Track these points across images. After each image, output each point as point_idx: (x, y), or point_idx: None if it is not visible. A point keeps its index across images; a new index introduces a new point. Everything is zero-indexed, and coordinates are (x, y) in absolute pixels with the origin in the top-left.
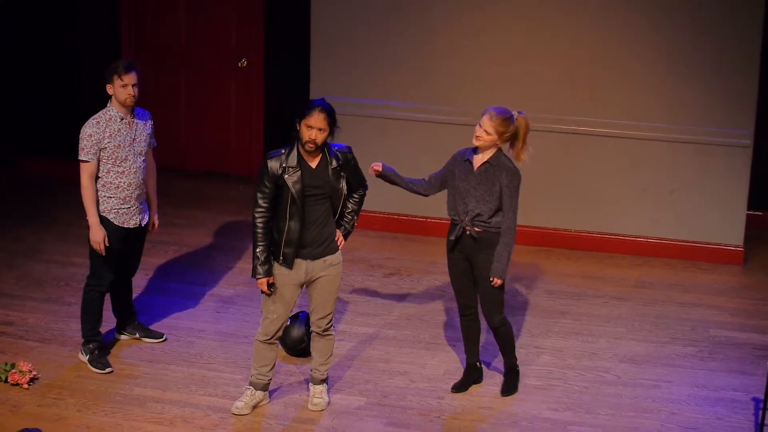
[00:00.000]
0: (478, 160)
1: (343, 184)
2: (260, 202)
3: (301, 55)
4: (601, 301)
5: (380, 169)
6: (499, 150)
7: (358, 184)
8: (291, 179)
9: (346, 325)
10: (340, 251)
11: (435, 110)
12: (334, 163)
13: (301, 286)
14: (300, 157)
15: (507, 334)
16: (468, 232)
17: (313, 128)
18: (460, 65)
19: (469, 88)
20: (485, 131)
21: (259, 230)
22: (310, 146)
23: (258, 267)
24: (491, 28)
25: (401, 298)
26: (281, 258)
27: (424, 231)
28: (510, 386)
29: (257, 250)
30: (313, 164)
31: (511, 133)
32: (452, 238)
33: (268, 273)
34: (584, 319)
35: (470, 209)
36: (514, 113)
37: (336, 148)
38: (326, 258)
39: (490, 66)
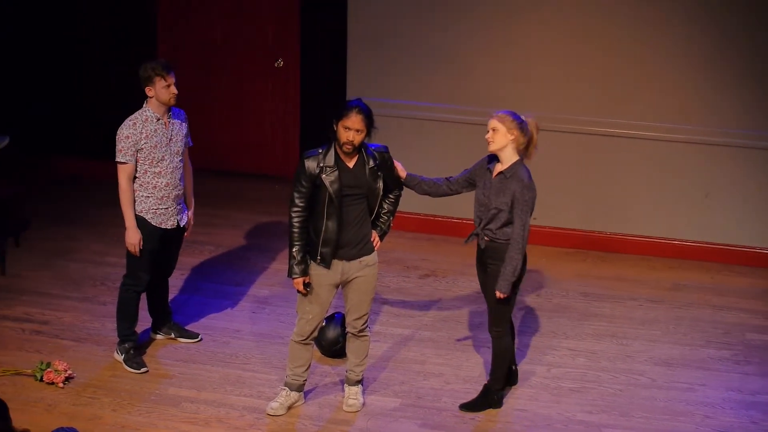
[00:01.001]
0: (497, 169)
1: (380, 184)
2: (297, 201)
3: (337, 55)
4: (636, 304)
5: (404, 176)
6: (519, 161)
7: (394, 184)
8: (328, 179)
9: (382, 326)
10: (376, 252)
11: (472, 111)
12: (372, 163)
13: (337, 286)
14: (337, 157)
15: (500, 349)
16: (479, 242)
17: (350, 129)
18: (498, 66)
19: (507, 90)
20: (492, 129)
21: (296, 230)
22: (347, 147)
23: (294, 267)
24: (531, 29)
25: (437, 299)
26: (319, 258)
27: (459, 232)
28: (474, 404)
29: (293, 249)
30: (351, 164)
31: (519, 126)
32: (468, 242)
33: (304, 273)
34: (619, 322)
35: (482, 218)
36: (523, 117)
37: (373, 148)
38: (362, 258)
39: (530, 67)
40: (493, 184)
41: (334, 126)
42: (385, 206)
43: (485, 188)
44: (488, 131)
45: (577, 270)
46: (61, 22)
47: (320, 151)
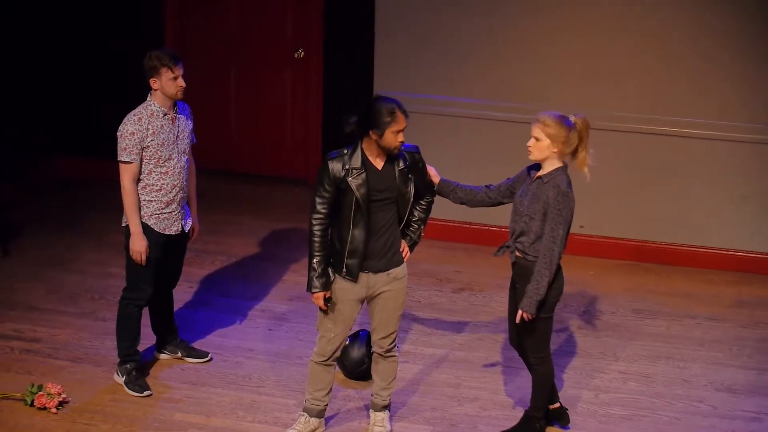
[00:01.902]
0: (536, 175)
1: (411, 188)
2: (319, 207)
3: (364, 46)
4: (694, 322)
5: (438, 182)
6: (562, 168)
7: (425, 189)
8: (355, 182)
9: (411, 346)
10: (405, 264)
11: (511, 108)
12: (401, 165)
13: (362, 301)
14: (364, 158)
15: (542, 375)
16: (510, 254)
17: (401, 132)
18: (539, 59)
19: (549, 84)
20: (534, 138)
21: (317, 239)
22: (397, 150)
23: (314, 280)
24: (574, 19)
25: (472, 315)
26: (344, 270)
27: (497, 242)
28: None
29: (314, 260)
30: (379, 165)
31: (566, 136)
32: (498, 254)
33: (326, 287)
34: (675, 342)
35: (516, 228)
36: (571, 116)
37: (403, 147)
38: (390, 271)
39: (572, 60)
40: (530, 190)
41: (375, 135)
42: (416, 213)
43: (522, 195)
44: (531, 139)
45: (628, 284)
46: (58, 5)
47: (345, 151)
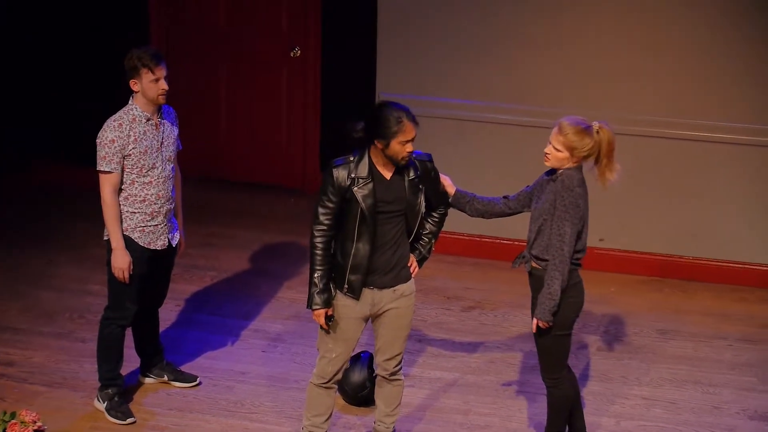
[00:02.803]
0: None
1: (421, 200)
2: (322, 218)
3: (365, 43)
4: (725, 344)
5: (453, 192)
6: (577, 167)
7: (438, 200)
8: (361, 192)
9: (418, 369)
10: (413, 280)
11: (524, 111)
12: (412, 174)
13: (366, 320)
14: (372, 166)
15: (557, 399)
16: (525, 265)
17: (410, 142)
18: (551, 59)
19: (561, 86)
20: (553, 147)
21: (319, 252)
22: (405, 161)
23: (315, 296)
24: (588, 18)
25: (483, 336)
26: (346, 287)
27: (510, 256)
28: None
29: (315, 275)
30: (388, 175)
31: (589, 149)
32: (515, 266)
33: (327, 303)
34: (704, 365)
35: (530, 236)
36: (594, 124)
37: (414, 155)
38: (397, 287)
39: (587, 60)
40: (544, 195)
41: (381, 144)
42: (427, 226)
43: (538, 201)
44: (549, 144)
45: (651, 302)
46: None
47: (351, 158)
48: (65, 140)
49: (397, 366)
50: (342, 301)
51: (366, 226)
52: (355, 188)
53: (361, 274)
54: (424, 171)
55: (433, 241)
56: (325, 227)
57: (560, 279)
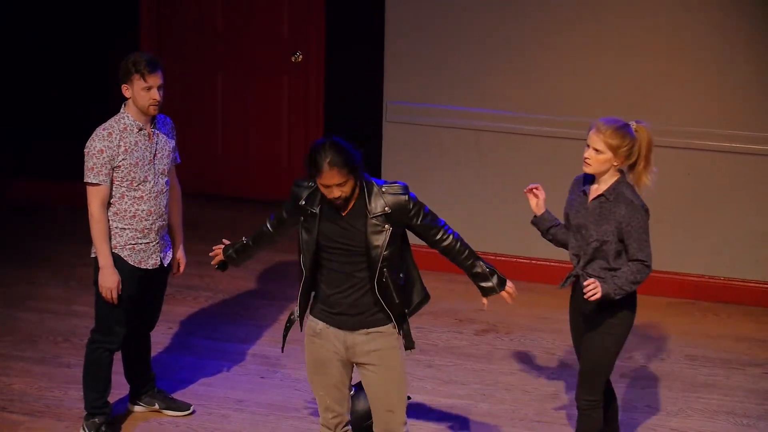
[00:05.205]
0: (594, 191)
1: (385, 242)
2: (273, 220)
3: (372, 48)
4: (761, 371)
5: (542, 211)
6: (621, 178)
7: (432, 233)
8: (305, 224)
9: (427, 396)
10: (391, 325)
11: (539, 120)
12: (378, 210)
13: (348, 364)
14: (324, 198)
15: (588, 426)
16: (575, 285)
17: (330, 187)
18: (570, 67)
19: (581, 94)
20: (594, 149)
21: (258, 230)
22: (338, 203)
23: (228, 247)
24: (612, 24)
25: (498, 361)
26: (296, 310)
27: (526, 276)
28: None
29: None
30: (344, 210)
31: (629, 148)
32: (565, 285)
33: (227, 260)
34: (737, 395)
35: (581, 254)
36: (632, 123)
37: (383, 186)
38: (369, 329)
39: (611, 67)
40: (590, 210)
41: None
42: (462, 255)
43: (580, 215)
44: (587, 147)
45: (681, 326)
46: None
47: (311, 184)
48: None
49: (397, 427)
50: (314, 339)
51: (304, 259)
52: (302, 218)
53: (307, 305)
54: (398, 208)
55: (473, 256)
56: (271, 225)
57: (639, 279)
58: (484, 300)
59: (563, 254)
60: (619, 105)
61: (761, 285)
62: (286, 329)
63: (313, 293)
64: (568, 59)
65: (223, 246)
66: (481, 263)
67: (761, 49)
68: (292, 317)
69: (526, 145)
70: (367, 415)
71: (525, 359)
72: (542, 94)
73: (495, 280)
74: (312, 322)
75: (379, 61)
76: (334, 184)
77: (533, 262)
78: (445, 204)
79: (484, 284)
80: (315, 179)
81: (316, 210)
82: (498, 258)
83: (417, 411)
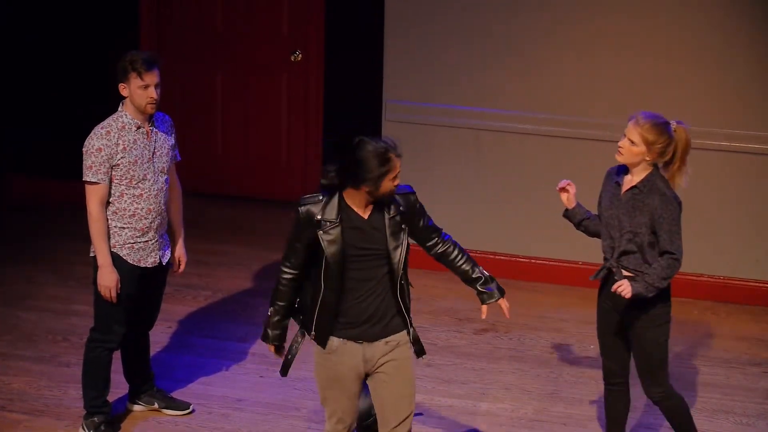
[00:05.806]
0: (627, 182)
1: (403, 241)
2: (291, 257)
3: (372, 47)
4: (760, 371)
5: (573, 205)
6: (655, 170)
7: (426, 234)
8: (327, 237)
9: (426, 396)
10: (406, 331)
11: (541, 120)
12: (393, 211)
13: (362, 378)
14: (343, 207)
15: (676, 410)
16: (614, 275)
17: (397, 176)
18: (573, 64)
19: (584, 93)
20: (629, 140)
21: (282, 287)
22: (391, 194)
23: (267, 331)
24: (619, 17)
25: (497, 361)
26: (313, 333)
27: (526, 275)
28: None
29: (271, 309)
30: (366, 214)
31: (665, 146)
32: (597, 277)
33: (279, 339)
34: (737, 394)
35: (616, 245)
36: (672, 123)
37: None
38: (389, 338)
39: (618, 63)
40: (623, 202)
41: (366, 186)
42: (459, 262)
43: (613, 206)
44: (625, 140)
45: (681, 324)
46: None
47: (320, 198)
48: (44, 152)
49: None
50: (331, 357)
51: (331, 273)
52: (321, 232)
53: (330, 322)
54: (409, 206)
55: (471, 263)
56: (291, 267)
57: (671, 273)
58: (484, 308)
59: (563, 254)
60: (618, 104)
61: (761, 285)
62: (292, 356)
63: (315, 307)
64: (567, 59)
65: (282, 355)
66: (481, 269)
67: (761, 49)
68: (296, 344)
69: (525, 144)
70: (368, 413)
71: (525, 359)
72: (541, 93)
73: (494, 286)
74: (313, 334)
75: (379, 60)
76: (400, 170)
77: (533, 261)
78: (444, 203)
79: (483, 289)
80: (385, 176)
81: (337, 219)
82: (497, 257)
83: (416, 410)
